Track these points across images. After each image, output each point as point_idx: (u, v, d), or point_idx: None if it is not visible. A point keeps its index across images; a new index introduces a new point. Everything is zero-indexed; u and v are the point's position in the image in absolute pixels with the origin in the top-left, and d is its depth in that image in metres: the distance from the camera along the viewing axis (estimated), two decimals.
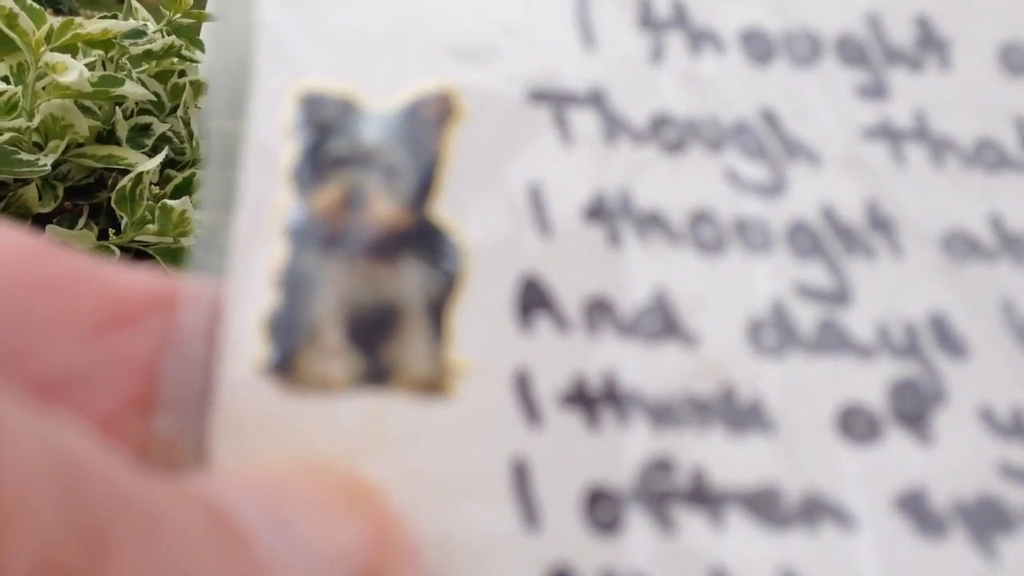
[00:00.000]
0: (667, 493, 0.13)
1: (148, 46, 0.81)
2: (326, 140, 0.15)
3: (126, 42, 0.81)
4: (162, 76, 0.84)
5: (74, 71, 0.76)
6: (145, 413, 0.13)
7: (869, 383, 0.14)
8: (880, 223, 0.15)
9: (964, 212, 0.15)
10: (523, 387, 0.14)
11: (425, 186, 0.15)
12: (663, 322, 0.14)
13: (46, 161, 0.70)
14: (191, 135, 0.82)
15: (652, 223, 0.15)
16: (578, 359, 0.14)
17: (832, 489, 0.14)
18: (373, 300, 0.14)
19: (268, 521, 0.11)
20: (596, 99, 0.15)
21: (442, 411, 0.14)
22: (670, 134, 0.15)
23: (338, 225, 0.14)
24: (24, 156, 0.72)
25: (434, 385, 0.14)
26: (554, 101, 0.15)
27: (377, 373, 0.14)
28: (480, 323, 0.14)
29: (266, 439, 0.13)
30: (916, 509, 0.13)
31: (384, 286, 0.14)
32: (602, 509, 0.13)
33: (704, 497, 0.13)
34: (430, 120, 0.15)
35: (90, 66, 0.79)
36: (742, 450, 0.14)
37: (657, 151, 0.15)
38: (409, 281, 0.14)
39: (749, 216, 0.15)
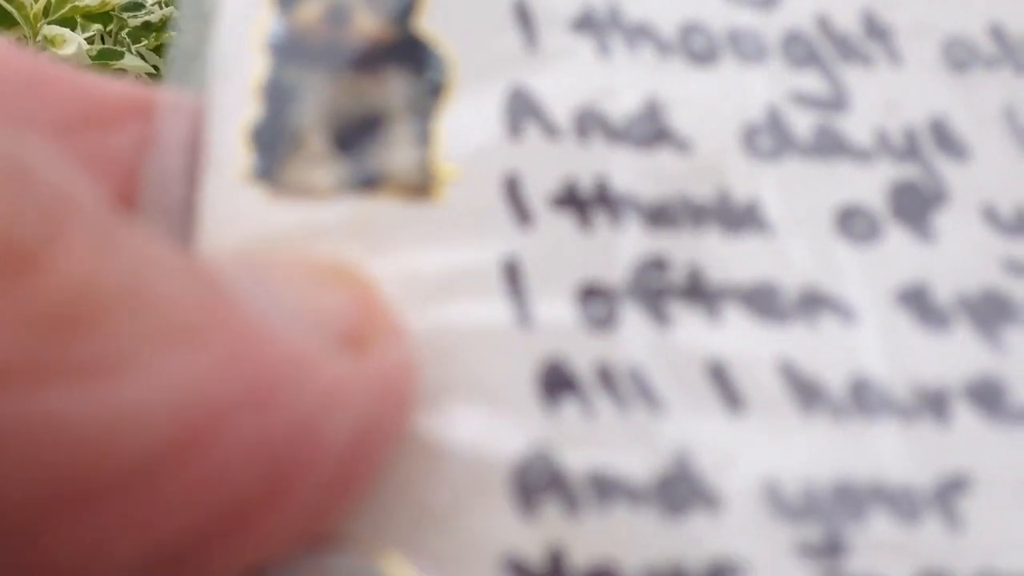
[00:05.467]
0: (662, 290, 0.13)
1: (147, 18, 0.81)
2: None
3: (124, 15, 0.81)
4: (161, 50, 0.84)
5: (73, 44, 0.76)
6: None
7: (868, 185, 0.14)
8: (877, 32, 0.15)
9: (963, 21, 0.15)
10: (512, 190, 0.13)
11: (408, 2, 0.14)
12: (655, 129, 0.14)
13: None
14: None
15: (641, 34, 0.14)
16: (569, 164, 0.14)
17: (831, 284, 0.13)
18: (358, 109, 0.14)
19: (249, 280, 0.11)
20: None
21: (431, 214, 0.13)
22: None
23: (320, 39, 0.14)
24: None
25: (422, 189, 0.13)
26: None
27: (364, 179, 0.13)
28: (467, 131, 0.14)
29: (252, 245, 0.13)
30: (918, 303, 0.13)
31: (368, 96, 0.14)
32: (595, 305, 0.13)
33: (700, 293, 0.13)
34: None
35: (89, 40, 0.79)
36: (738, 249, 0.13)
37: None
38: (393, 90, 0.14)
39: (741, 27, 0.14)
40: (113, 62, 0.77)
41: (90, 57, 0.76)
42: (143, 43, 0.83)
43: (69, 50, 0.75)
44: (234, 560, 0.11)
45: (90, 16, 0.80)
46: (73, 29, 0.78)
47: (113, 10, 0.80)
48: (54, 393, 0.09)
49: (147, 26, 0.82)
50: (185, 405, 0.10)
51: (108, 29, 0.82)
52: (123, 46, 0.81)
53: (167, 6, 0.83)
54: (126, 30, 0.82)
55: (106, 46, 0.80)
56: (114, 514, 0.09)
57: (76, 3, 0.77)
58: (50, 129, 0.13)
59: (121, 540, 0.10)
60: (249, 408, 0.10)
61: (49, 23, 0.76)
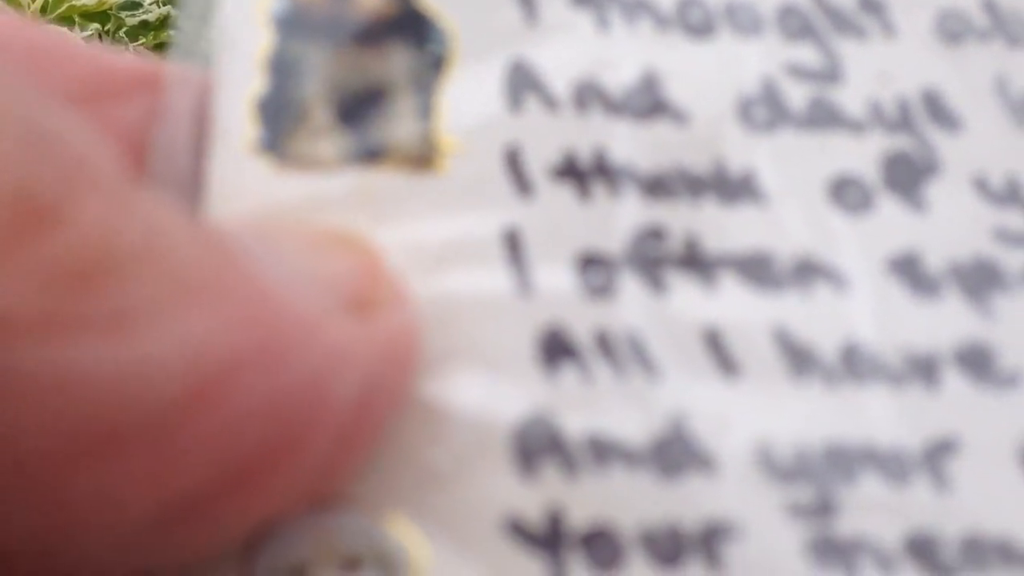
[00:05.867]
0: (659, 259, 0.13)
1: (144, 17, 0.81)
2: None
3: (122, 14, 0.81)
4: (160, 49, 0.84)
5: None
6: None
7: (861, 156, 0.14)
8: (871, 4, 0.15)
9: None
10: (513, 161, 0.14)
11: None
12: (652, 101, 0.14)
13: None
14: None
15: (640, 7, 0.15)
16: (568, 135, 0.14)
17: (825, 253, 0.13)
18: (361, 82, 0.14)
19: (259, 247, 0.11)
20: None
21: (433, 185, 0.14)
22: None
23: (323, 13, 0.14)
24: None
25: (425, 161, 0.14)
26: None
27: (368, 151, 0.14)
28: (469, 104, 0.14)
29: (258, 215, 0.13)
30: (910, 271, 0.13)
31: (371, 69, 0.14)
32: (594, 273, 0.13)
33: (696, 262, 0.13)
34: None
35: (87, 39, 0.79)
36: (734, 219, 0.14)
37: None
38: (396, 64, 0.14)
39: (738, 0, 0.15)
40: None
41: None
42: (141, 42, 0.83)
43: None
44: (243, 516, 0.11)
45: (88, 15, 0.80)
46: (71, 28, 0.78)
47: (111, 9, 0.80)
48: (70, 345, 0.09)
49: (145, 25, 0.82)
50: (197, 361, 0.10)
51: (106, 28, 0.82)
52: (121, 45, 0.81)
53: (165, 5, 0.83)
54: (124, 29, 0.82)
55: (104, 45, 0.80)
56: (127, 466, 0.10)
57: (74, 2, 0.77)
58: (60, 99, 0.13)
59: (133, 492, 0.10)
60: (259, 366, 0.10)
61: (47, 22, 0.76)
